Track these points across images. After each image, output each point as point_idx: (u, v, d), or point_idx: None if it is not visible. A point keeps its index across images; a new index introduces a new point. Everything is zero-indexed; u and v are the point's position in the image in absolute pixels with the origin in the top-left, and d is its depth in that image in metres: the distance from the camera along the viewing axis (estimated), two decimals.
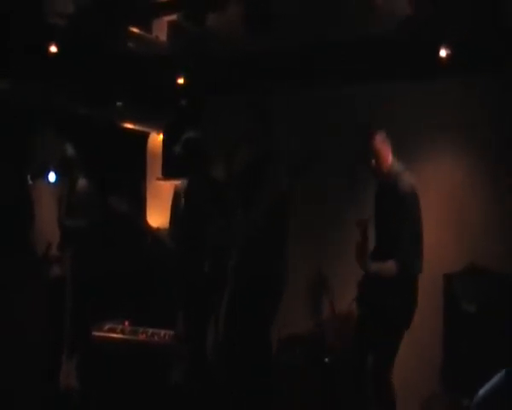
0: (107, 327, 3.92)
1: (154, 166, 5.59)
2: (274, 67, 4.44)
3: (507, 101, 4.05)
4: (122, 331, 3.89)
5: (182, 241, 3.95)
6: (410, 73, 4.25)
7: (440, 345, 4.08)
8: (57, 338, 3.93)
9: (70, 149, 4.51)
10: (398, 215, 3.28)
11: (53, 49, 3.82)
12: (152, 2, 3.88)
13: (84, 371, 3.88)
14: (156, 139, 5.57)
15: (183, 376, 3.91)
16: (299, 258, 4.24)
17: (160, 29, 4.19)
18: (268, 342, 3.72)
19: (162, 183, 5.40)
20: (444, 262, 4.15)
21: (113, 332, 3.88)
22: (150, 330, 3.91)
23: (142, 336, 3.86)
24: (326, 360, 4.24)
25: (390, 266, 3.24)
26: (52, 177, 4.78)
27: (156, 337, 3.85)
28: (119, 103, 5.05)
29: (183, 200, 4.03)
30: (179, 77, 4.59)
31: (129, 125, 5.18)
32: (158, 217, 5.14)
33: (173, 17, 4.00)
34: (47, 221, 4.77)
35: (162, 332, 3.90)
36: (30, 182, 4.85)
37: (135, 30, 3.96)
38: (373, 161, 3.37)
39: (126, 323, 4.02)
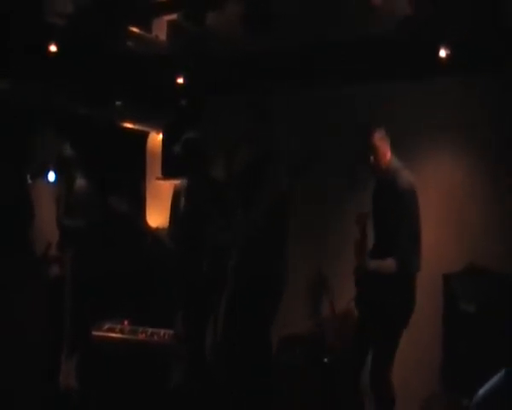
0: (106, 327, 3.92)
1: (154, 165, 5.59)
2: (274, 67, 4.44)
3: (507, 101, 4.05)
4: (121, 331, 3.89)
5: (181, 241, 3.95)
6: (409, 73, 4.25)
7: (440, 345, 4.08)
8: (57, 338, 3.93)
9: (68, 149, 4.51)
10: (396, 212, 3.29)
11: (52, 48, 3.82)
12: (152, 2, 3.88)
13: (83, 371, 3.87)
14: (156, 139, 5.57)
15: (182, 376, 3.92)
16: (299, 258, 4.24)
17: (160, 29, 4.19)
18: (268, 342, 3.72)
19: (162, 182, 5.40)
20: (443, 262, 4.15)
21: (113, 332, 3.88)
22: (150, 330, 3.91)
23: (141, 336, 3.86)
24: (325, 360, 4.24)
25: (389, 263, 3.25)
26: (52, 176, 4.77)
27: (155, 337, 3.85)
28: (118, 103, 5.05)
29: (182, 200, 4.03)
30: (179, 77, 4.58)
31: (128, 125, 5.18)
32: (157, 217, 5.14)
33: (173, 17, 3.99)
34: (46, 221, 4.76)
35: (161, 332, 3.90)
36: (29, 181, 4.85)
37: (134, 29, 3.96)
38: (371, 158, 3.39)
39: (126, 322, 4.02)
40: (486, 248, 4.05)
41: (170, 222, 4.13)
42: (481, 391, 2.54)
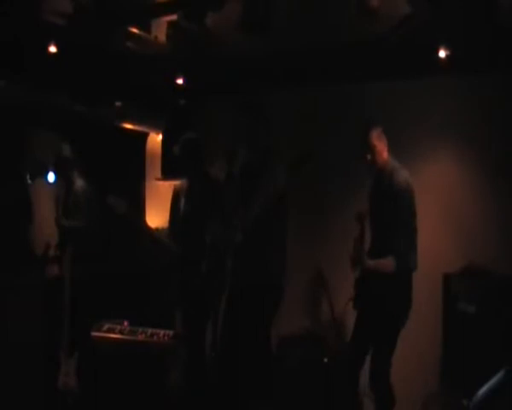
0: (106, 327, 3.90)
1: (153, 166, 5.60)
2: (273, 67, 4.45)
3: (506, 101, 4.05)
4: (121, 332, 3.88)
5: (181, 241, 3.95)
6: (409, 74, 4.25)
7: (439, 345, 4.07)
8: (56, 338, 3.92)
9: (67, 149, 4.51)
10: (393, 211, 3.31)
11: (52, 48, 3.82)
12: (151, 3, 3.88)
13: (83, 372, 3.87)
14: (155, 139, 5.58)
15: (181, 376, 3.91)
16: (298, 258, 4.24)
17: (160, 29, 4.19)
18: (267, 341, 3.71)
19: (161, 183, 5.40)
20: (443, 262, 4.16)
21: (112, 332, 3.87)
22: (149, 331, 3.90)
23: (141, 337, 3.85)
24: (325, 359, 4.24)
25: (387, 262, 3.26)
26: (51, 177, 4.78)
27: (155, 337, 3.84)
28: (118, 103, 5.05)
29: (182, 200, 4.03)
30: (178, 77, 4.59)
31: (128, 126, 5.18)
32: (157, 217, 5.15)
33: (173, 17, 4.00)
34: (46, 221, 4.77)
35: (161, 332, 3.89)
36: (29, 182, 4.86)
37: (134, 30, 3.96)
38: (368, 156, 3.40)
39: (125, 323, 4.00)
40: (486, 248, 4.05)
41: (169, 222, 4.13)
42: (481, 391, 2.54)
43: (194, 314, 3.90)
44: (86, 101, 4.64)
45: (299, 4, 3.68)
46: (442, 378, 4.02)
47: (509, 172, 4.05)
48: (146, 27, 4.17)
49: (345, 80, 4.54)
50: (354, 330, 3.57)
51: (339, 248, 3.52)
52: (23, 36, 3.74)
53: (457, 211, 4.26)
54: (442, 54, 3.74)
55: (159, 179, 5.47)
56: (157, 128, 5.47)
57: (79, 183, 4.50)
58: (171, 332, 3.90)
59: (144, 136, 5.63)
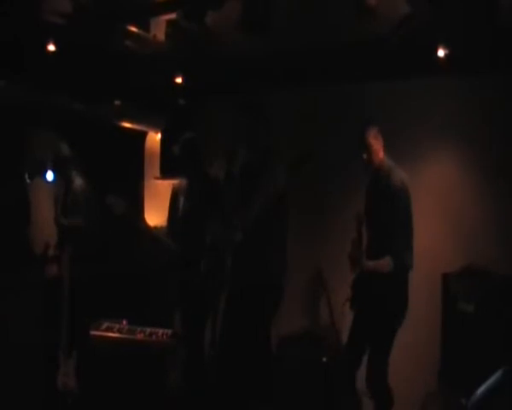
0: (104, 326, 3.90)
1: (152, 165, 5.60)
2: (273, 67, 4.44)
3: (506, 100, 4.05)
4: (120, 331, 3.88)
5: (180, 240, 3.95)
6: (410, 74, 4.25)
7: (438, 345, 4.08)
8: (55, 338, 3.92)
9: (66, 148, 4.50)
10: (390, 210, 3.32)
11: (51, 47, 3.81)
12: (150, 2, 3.87)
13: (81, 371, 3.86)
14: (154, 138, 5.57)
15: (181, 375, 3.91)
16: (298, 258, 4.24)
17: (159, 28, 4.18)
18: (267, 341, 3.71)
19: (160, 182, 5.40)
20: (442, 262, 4.16)
21: (111, 331, 3.86)
22: (148, 330, 3.89)
23: (139, 336, 3.84)
24: (324, 359, 4.24)
25: (385, 262, 3.26)
26: (50, 176, 4.76)
27: (154, 337, 3.84)
28: (117, 102, 5.04)
29: (181, 199, 4.03)
30: (177, 76, 4.58)
31: (127, 125, 5.17)
32: (156, 216, 5.14)
33: (172, 16, 3.99)
34: (45, 220, 4.76)
35: (160, 331, 3.89)
36: (28, 181, 4.84)
37: (133, 29, 3.95)
38: (364, 155, 3.41)
39: (124, 322, 4.00)
40: (485, 248, 4.06)
41: (168, 221, 4.13)
42: (479, 391, 2.55)
43: (194, 314, 3.90)
44: (85, 100, 4.63)
45: (299, 4, 3.67)
46: (441, 378, 4.02)
47: (510, 174, 4.06)
48: (145, 26, 4.16)
49: (345, 80, 4.54)
50: (351, 330, 3.58)
51: (339, 248, 3.52)
52: (23, 36, 3.73)
53: (457, 212, 4.27)
54: (442, 54, 3.73)
55: (158, 178, 5.46)
56: (156, 127, 5.47)
57: (78, 182, 4.49)
58: (169, 331, 3.90)
59: (143, 135, 5.63)
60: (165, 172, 5.33)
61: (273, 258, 3.56)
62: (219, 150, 4.02)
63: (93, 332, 3.86)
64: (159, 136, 5.48)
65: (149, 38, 4.12)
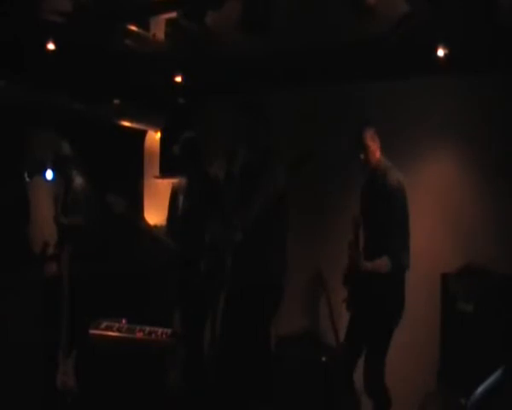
0: (104, 325, 3.90)
1: (152, 164, 5.60)
2: (273, 67, 4.44)
3: (506, 100, 4.06)
4: (119, 330, 3.87)
5: (179, 239, 3.95)
6: (409, 74, 4.25)
7: (437, 344, 4.08)
8: (54, 337, 3.92)
9: (65, 147, 4.50)
10: (386, 210, 3.33)
11: (50, 46, 3.81)
12: (150, 1, 3.87)
13: (81, 370, 3.87)
14: (154, 137, 5.57)
15: (180, 375, 3.91)
16: (298, 258, 4.24)
17: (158, 27, 4.18)
18: (267, 341, 3.72)
19: (160, 181, 5.40)
20: (441, 262, 4.16)
21: (110, 330, 3.86)
22: (147, 329, 3.89)
23: (139, 335, 3.84)
24: (324, 358, 4.25)
25: (383, 262, 3.26)
26: (49, 175, 4.76)
27: (153, 336, 3.83)
28: (116, 101, 5.04)
29: (180, 198, 4.03)
30: (177, 75, 4.58)
31: (126, 124, 5.17)
32: (155, 215, 5.14)
33: (171, 15, 3.98)
34: (44, 219, 4.76)
35: (159, 330, 3.89)
36: (27, 180, 4.84)
37: (133, 28, 3.95)
38: (362, 156, 3.42)
39: (123, 321, 4.00)
40: (484, 247, 4.06)
41: (167, 221, 4.13)
42: (479, 390, 2.55)
43: (193, 313, 3.91)
44: (85, 99, 4.62)
45: (299, 4, 3.67)
46: (440, 378, 4.02)
47: (509, 173, 4.06)
48: (144, 25, 4.16)
49: (345, 80, 4.54)
50: (348, 330, 3.58)
51: (339, 248, 3.52)
52: (23, 36, 3.73)
53: (456, 211, 4.27)
54: (442, 53, 3.73)
55: (157, 177, 5.46)
56: (156, 126, 5.47)
57: (78, 181, 4.49)
58: (169, 331, 3.90)
59: (143, 134, 5.63)
60: (165, 172, 5.33)
61: (273, 258, 3.56)
62: (219, 150, 4.02)
63: (92, 331, 3.85)
64: (158, 135, 5.48)
65: (149, 38, 4.12)
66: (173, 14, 3.91)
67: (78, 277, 4.04)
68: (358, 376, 3.53)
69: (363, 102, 4.47)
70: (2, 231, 4.44)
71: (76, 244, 4.19)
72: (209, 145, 4.20)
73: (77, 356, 3.86)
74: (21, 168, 4.78)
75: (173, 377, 3.91)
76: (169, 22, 4.08)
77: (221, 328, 3.71)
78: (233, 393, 3.60)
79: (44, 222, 4.76)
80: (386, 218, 3.32)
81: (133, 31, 3.96)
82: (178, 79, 4.58)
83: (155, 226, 4.81)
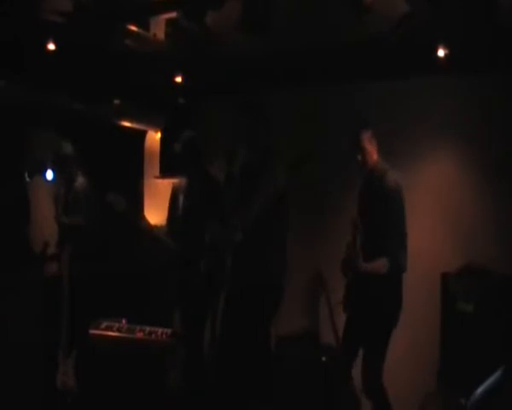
0: (104, 325, 3.89)
1: (152, 164, 5.60)
2: (273, 67, 4.44)
3: (506, 100, 4.06)
4: (119, 330, 3.87)
5: (179, 239, 3.95)
6: (409, 74, 4.25)
7: (437, 344, 4.08)
8: (54, 336, 3.92)
9: (66, 147, 4.50)
10: (384, 212, 3.32)
11: (51, 47, 3.81)
12: (150, 1, 3.87)
13: (81, 370, 3.86)
14: (154, 137, 5.57)
15: (180, 375, 3.91)
16: (298, 258, 4.24)
17: (158, 27, 4.18)
18: (267, 341, 3.72)
19: (160, 181, 5.40)
20: (441, 261, 4.16)
21: (110, 330, 3.86)
22: (147, 329, 3.89)
23: (139, 335, 3.84)
24: (324, 358, 4.25)
25: (382, 263, 3.26)
26: (49, 175, 4.77)
27: (153, 336, 3.83)
28: (116, 101, 5.04)
29: (181, 198, 4.03)
30: (177, 75, 4.58)
31: (126, 124, 5.17)
32: (155, 215, 5.14)
33: (172, 15, 3.99)
34: (45, 219, 4.76)
35: (159, 330, 3.89)
36: (27, 180, 4.84)
37: (133, 28, 3.95)
38: (359, 157, 3.43)
39: (123, 321, 4.00)
40: (484, 247, 4.06)
41: (167, 221, 4.13)
42: (479, 391, 2.55)
43: (193, 313, 3.90)
44: (85, 99, 4.62)
45: (299, 4, 3.67)
46: (440, 378, 4.02)
47: (509, 173, 4.06)
48: (145, 25, 4.16)
49: (345, 80, 4.54)
50: (345, 331, 3.57)
51: (338, 248, 3.51)
52: (23, 36, 3.73)
53: (456, 211, 4.27)
54: (442, 53, 3.73)
55: (157, 177, 5.46)
56: (156, 126, 5.47)
57: (80, 180, 4.50)
58: (169, 331, 3.90)
59: (143, 134, 5.63)
60: (165, 172, 5.33)
61: (273, 258, 3.56)
62: (219, 150, 4.02)
63: (92, 331, 3.85)
64: (158, 135, 5.48)
65: (149, 38, 4.12)
66: (173, 14, 3.92)
67: (78, 277, 4.04)
68: (358, 376, 3.53)
69: (363, 102, 4.47)
70: (2, 231, 4.45)
71: (76, 244, 4.19)
72: (209, 145, 4.19)
73: (77, 356, 3.85)
74: (21, 168, 4.78)
75: (173, 377, 3.91)
76: (169, 22, 4.08)
77: (221, 328, 3.70)
78: (233, 393, 3.60)
79: (44, 222, 4.76)
80: (383, 219, 3.32)
81: (133, 31, 3.96)
82: (178, 79, 4.58)
83: (155, 227, 4.81)
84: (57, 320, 3.90)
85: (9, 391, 3.76)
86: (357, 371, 3.54)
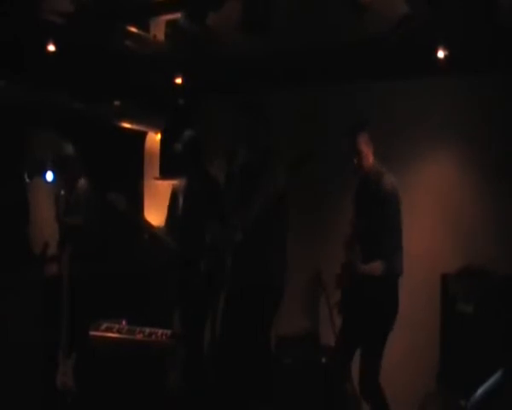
0: (104, 326, 3.90)
1: (152, 165, 5.59)
2: (273, 67, 4.44)
3: (507, 101, 4.06)
4: (119, 331, 3.87)
5: (179, 240, 3.94)
6: (409, 74, 4.25)
7: (437, 345, 4.08)
8: (54, 337, 3.92)
9: (67, 148, 4.50)
10: (380, 214, 3.32)
11: (51, 47, 3.81)
12: (150, 2, 3.87)
13: (81, 371, 3.86)
14: (154, 138, 5.57)
15: (180, 376, 3.91)
16: (298, 258, 4.24)
17: (158, 28, 4.18)
18: (266, 341, 3.71)
19: (160, 182, 5.40)
20: (441, 263, 4.16)
21: (110, 332, 3.86)
22: (147, 330, 3.89)
23: (139, 336, 3.84)
24: (323, 359, 4.24)
25: (378, 266, 3.26)
26: (49, 176, 4.76)
27: (153, 337, 3.83)
28: (116, 102, 5.04)
29: (180, 199, 4.02)
30: (177, 76, 4.58)
31: (127, 124, 5.17)
32: (155, 216, 5.14)
33: (172, 16, 3.99)
34: (44, 220, 4.76)
35: (159, 332, 3.88)
36: (27, 180, 4.84)
37: (133, 29, 3.95)
38: (355, 160, 3.42)
39: (123, 322, 4.00)
40: (484, 248, 4.06)
41: (167, 221, 4.13)
42: (479, 392, 2.54)
43: (193, 314, 3.90)
44: (85, 99, 4.62)
45: (299, 4, 3.68)
46: (440, 379, 4.02)
47: (509, 173, 4.06)
48: (145, 26, 4.16)
49: (345, 80, 4.54)
50: (340, 333, 3.55)
51: (338, 249, 3.51)
52: (23, 36, 3.73)
53: (456, 211, 4.27)
54: (442, 54, 3.73)
55: (157, 179, 5.46)
56: (156, 127, 5.47)
57: (82, 181, 4.49)
58: (169, 332, 3.90)
59: (143, 135, 5.62)
60: (165, 173, 5.33)
61: (273, 258, 3.55)
62: (219, 150, 4.02)
63: (92, 332, 3.85)
64: (158, 136, 5.48)
65: (149, 38, 4.13)
66: (173, 15, 3.92)
67: (78, 277, 4.04)
68: (358, 377, 3.53)
69: (363, 102, 4.47)
70: (2, 232, 4.45)
71: (76, 244, 4.19)
72: (209, 145, 4.19)
73: (77, 357, 3.85)
74: (21, 169, 4.78)
75: (173, 378, 3.91)
76: (169, 23, 4.08)
77: (221, 328, 3.70)
78: (233, 393, 3.60)
79: (44, 222, 4.76)
80: (379, 222, 3.31)
81: (133, 32, 3.97)
82: (179, 80, 4.58)
83: (155, 227, 4.81)
84: (57, 320, 3.90)
85: (9, 391, 3.76)
86: (356, 372, 3.54)
